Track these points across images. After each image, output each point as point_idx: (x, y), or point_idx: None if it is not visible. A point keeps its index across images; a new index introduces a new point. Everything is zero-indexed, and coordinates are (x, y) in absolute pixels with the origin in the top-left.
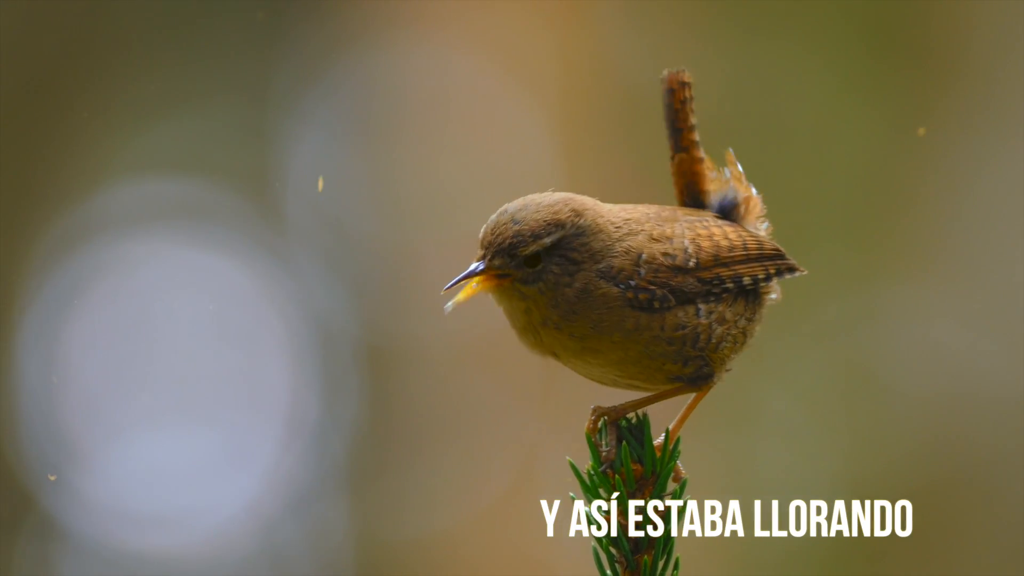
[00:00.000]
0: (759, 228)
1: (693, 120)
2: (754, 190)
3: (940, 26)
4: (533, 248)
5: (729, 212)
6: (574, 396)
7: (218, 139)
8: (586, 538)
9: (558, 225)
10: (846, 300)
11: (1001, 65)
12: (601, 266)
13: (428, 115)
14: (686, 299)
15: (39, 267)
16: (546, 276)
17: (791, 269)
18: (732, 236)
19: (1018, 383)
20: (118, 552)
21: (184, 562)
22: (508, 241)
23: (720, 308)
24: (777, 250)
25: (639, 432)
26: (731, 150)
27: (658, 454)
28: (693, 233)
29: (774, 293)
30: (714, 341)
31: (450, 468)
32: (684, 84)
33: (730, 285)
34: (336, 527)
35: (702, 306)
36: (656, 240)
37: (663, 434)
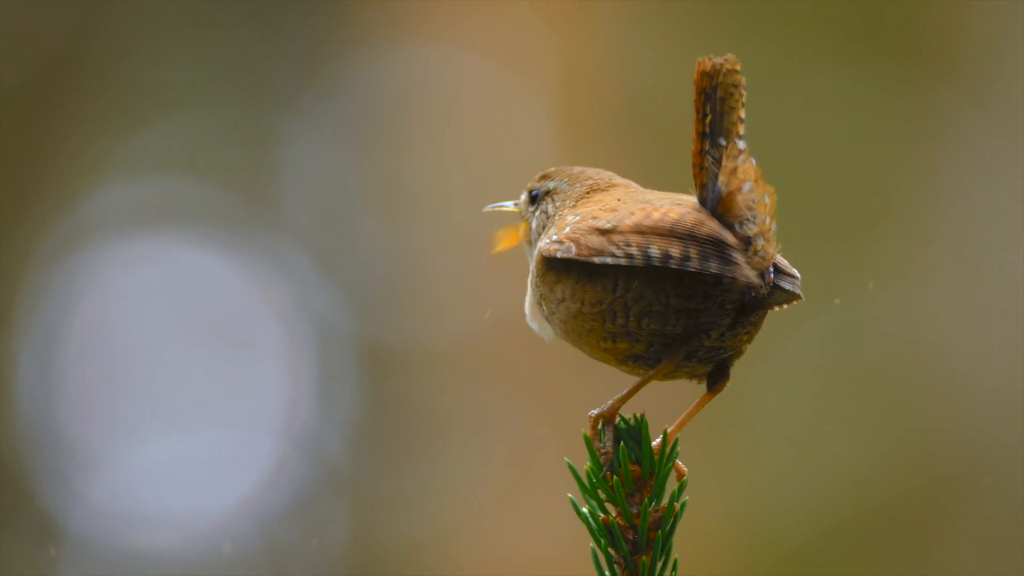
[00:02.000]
0: (748, 222)
1: (706, 111)
2: (746, 186)
3: (938, 26)
4: (534, 185)
5: (715, 206)
6: (573, 397)
7: (216, 139)
8: (584, 538)
9: (560, 176)
10: (845, 301)
11: (1000, 64)
12: (556, 223)
13: (428, 115)
14: (589, 256)
15: (38, 267)
16: (532, 221)
17: (725, 261)
18: (672, 214)
19: (1017, 383)
20: (117, 552)
21: (182, 561)
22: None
23: (636, 285)
24: (714, 239)
25: (637, 433)
26: (736, 143)
27: (656, 457)
28: (638, 207)
29: (753, 285)
30: (633, 316)
31: (448, 468)
32: (704, 75)
33: (635, 251)
34: (335, 527)
35: (620, 282)
36: (602, 210)
37: (661, 436)
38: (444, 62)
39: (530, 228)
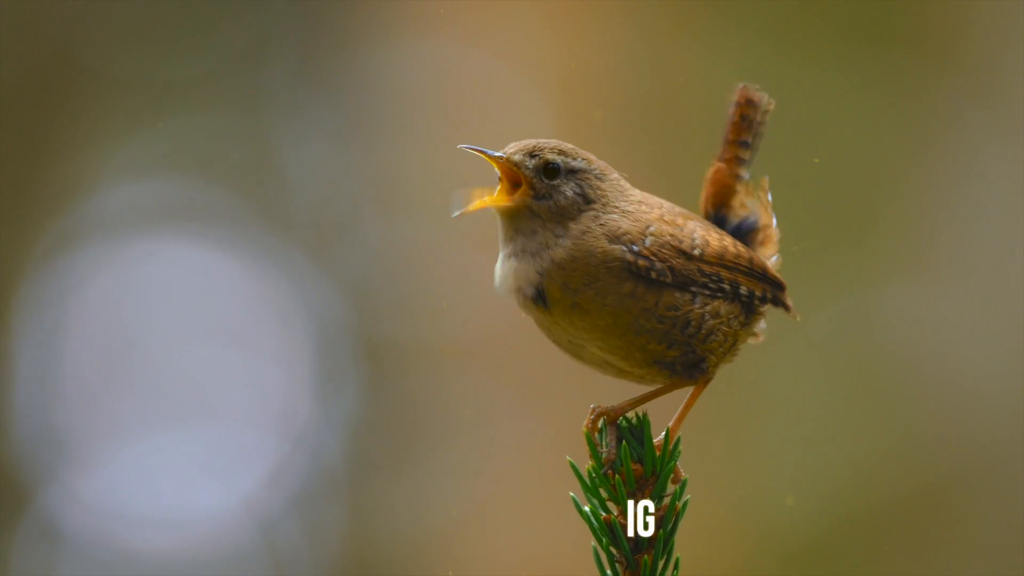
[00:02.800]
0: (769, 259)
1: (745, 137)
2: (775, 222)
3: (939, 24)
4: (555, 158)
5: (745, 235)
6: (573, 396)
7: (217, 139)
8: (586, 538)
9: (587, 160)
10: (846, 300)
11: (1000, 63)
12: (608, 220)
13: (428, 112)
14: (683, 283)
15: (37, 266)
16: (557, 196)
17: (784, 306)
18: (741, 249)
19: (1018, 383)
20: (115, 552)
21: (181, 561)
22: (535, 144)
23: (716, 303)
24: (778, 281)
25: (639, 432)
26: (767, 178)
27: (658, 453)
28: (705, 232)
29: (762, 324)
30: (704, 331)
31: (448, 467)
32: (749, 102)
33: (727, 287)
34: (334, 526)
35: (699, 295)
36: (667, 223)
37: (663, 433)
38: (444, 59)
39: (540, 196)
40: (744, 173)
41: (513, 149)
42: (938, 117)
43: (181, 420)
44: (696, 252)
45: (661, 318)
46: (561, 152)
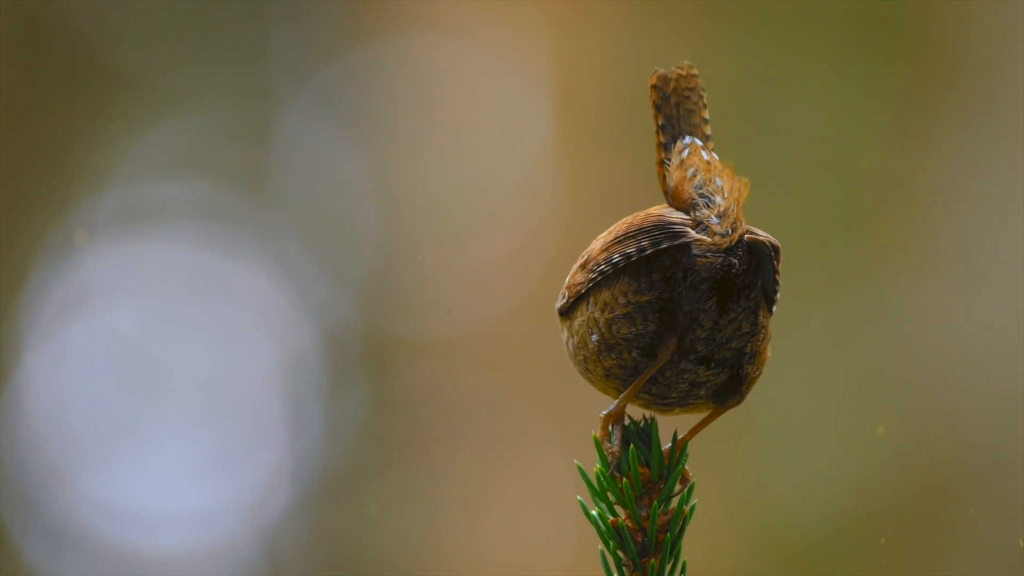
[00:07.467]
0: (699, 206)
1: (660, 122)
2: (690, 172)
3: (939, 24)
4: None
5: (671, 202)
6: (577, 397)
7: (218, 139)
8: (585, 539)
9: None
10: (846, 300)
11: (1001, 62)
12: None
13: (428, 113)
14: (582, 293)
15: (40, 267)
16: None
17: (674, 236)
18: (622, 226)
19: (1018, 383)
20: (118, 552)
21: (185, 563)
22: None
23: (602, 295)
24: (657, 223)
25: (646, 435)
26: (683, 139)
27: (666, 463)
28: (608, 230)
29: (700, 275)
30: (603, 325)
31: (451, 467)
32: (653, 88)
33: (605, 268)
34: (337, 528)
35: (591, 298)
36: (587, 251)
37: (672, 440)
38: (445, 60)
39: None
40: (666, 157)
41: None
42: (939, 113)
43: (185, 421)
44: (584, 258)
45: (579, 345)
46: None
